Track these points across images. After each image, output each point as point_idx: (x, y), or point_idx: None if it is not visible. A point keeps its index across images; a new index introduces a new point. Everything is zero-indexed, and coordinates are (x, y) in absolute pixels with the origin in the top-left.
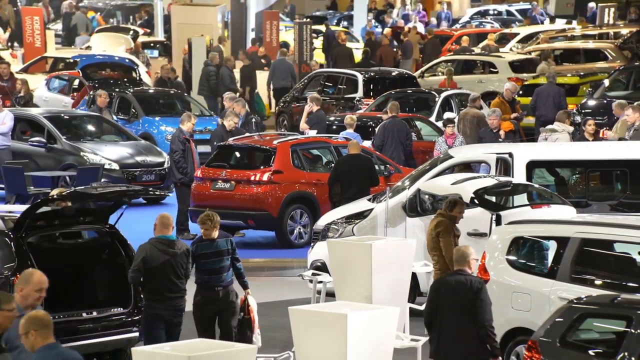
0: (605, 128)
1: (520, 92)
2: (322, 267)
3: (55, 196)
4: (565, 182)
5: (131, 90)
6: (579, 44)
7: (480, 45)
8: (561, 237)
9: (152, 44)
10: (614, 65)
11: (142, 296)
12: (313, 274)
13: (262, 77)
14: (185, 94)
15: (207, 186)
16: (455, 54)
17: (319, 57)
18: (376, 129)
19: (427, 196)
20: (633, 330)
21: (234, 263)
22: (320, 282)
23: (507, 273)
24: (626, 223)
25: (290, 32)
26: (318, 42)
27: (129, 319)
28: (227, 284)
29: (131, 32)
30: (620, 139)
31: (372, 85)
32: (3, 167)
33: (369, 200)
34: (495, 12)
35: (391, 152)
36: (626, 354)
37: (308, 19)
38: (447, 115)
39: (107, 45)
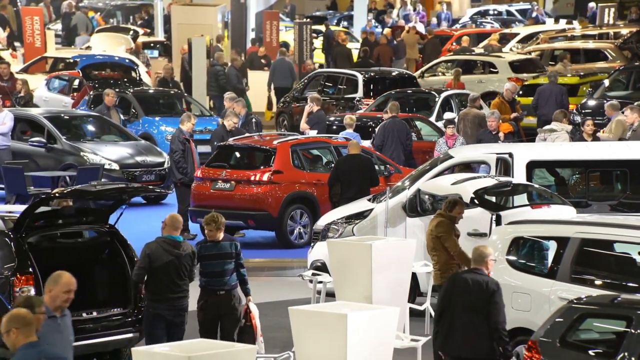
0: (602, 130)
1: (520, 92)
2: (322, 267)
3: (54, 194)
4: (565, 182)
5: (131, 90)
6: (579, 44)
7: (481, 45)
8: (561, 237)
9: (152, 44)
10: (614, 65)
11: (142, 296)
12: (313, 274)
13: (261, 77)
14: (186, 94)
15: (207, 186)
16: (455, 54)
17: (319, 57)
18: (376, 129)
19: (427, 196)
20: (633, 330)
21: (238, 269)
22: (320, 282)
23: (507, 273)
24: (626, 223)
25: (290, 32)
26: (318, 42)
27: (129, 319)
28: (230, 288)
29: (131, 32)
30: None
31: (372, 85)
32: (3, 167)
33: (369, 200)
34: (495, 12)
35: (391, 152)
36: (626, 354)
37: (308, 19)
38: (447, 115)
39: (107, 45)
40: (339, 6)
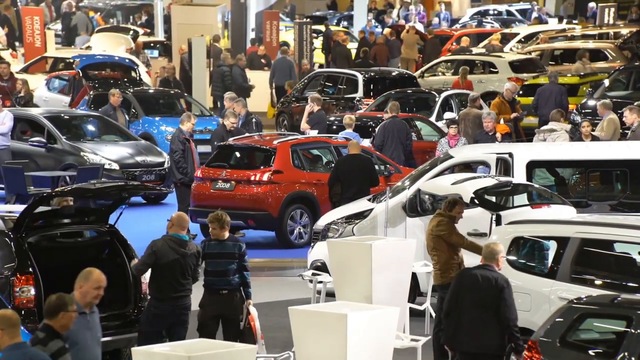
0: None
1: (521, 92)
2: (322, 267)
3: (54, 192)
4: (565, 182)
5: (131, 90)
6: (579, 44)
7: (482, 44)
8: (561, 237)
9: (152, 44)
10: (614, 65)
11: (142, 296)
12: (313, 274)
13: (261, 76)
14: (186, 94)
15: (207, 186)
16: (455, 54)
17: (319, 57)
18: (376, 129)
19: (427, 196)
20: (633, 330)
21: (241, 270)
22: (320, 282)
23: (507, 273)
24: (626, 223)
25: (290, 32)
26: (318, 42)
27: (129, 319)
28: (233, 288)
29: (131, 32)
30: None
31: (372, 85)
32: (3, 167)
33: (369, 200)
34: (495, 12)
35: (391, 152)
36: (626, 354)
37: (308, 19)
38: (447, 115)
39: (107, 45)
40: (339, 6)
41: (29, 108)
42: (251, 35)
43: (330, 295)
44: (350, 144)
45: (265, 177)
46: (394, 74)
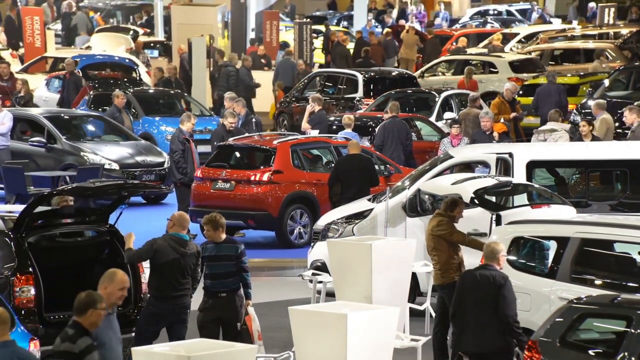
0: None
1: (520, 92)
2: (322, 267)
3: (53, 191)
4: (565, 182)
5: (131, 90)
6: (579, 44)
7: (482, 44)
8: (561, 237)
9: (152, 44)
10: (614, 65)
11: (142, 296)
12: (313, 274)
13: (261, 76)
14: (186, 94)
15: (207, 186)
16: (453, 54)
17: (319, 57)
18: (376, 129)
19: (427, 196)
20: (633, 330)
21: (240, 272)
22: (320, 282)
23: (507, 273)
24: (626, 223)
25: (290, 32)
26: (318, 42)
27: (129, 319)
28: (232, 290)
29: (131, 32)
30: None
31: (372, 85)
32: (3, 167)
33: (369, 200)
34: (495, 12)
35: (391, 152)
36: (626, 354)
37: (308, 19)
38: (447, 115)
39: (107, 45)
40: (339, 6)
41: (29, 108)
42: (251, 35)
43: (330, 295)
44: (350, 144)
45: (265, 177)
46: (394, 74)
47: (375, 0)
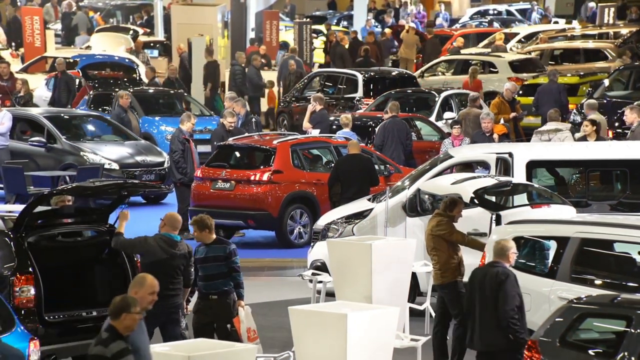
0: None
1: (520, 92)
2: (322, 267)
3: (53, 191)
4: (565, 182)
5: (131, 90)
6: (579, 44)
7: (481, 44)
8: (561, 237)
9: (152, 44)
10: (613, 65)
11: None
12: (313, 274)
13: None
14: (186, 94)
15: (207, 186)
16: (452, 54)
17: (319, 57)
18: (376, 129)
19: (427, 196)
20: (633, 330)
21: (230, 273)
22: (320, 282)
23: None
24: (626, 223)
25: (290, 32)
26: (318, 42)
27: None
28: (223, 292)
29: (131, 32)
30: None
31: (372, 85)
32: (3, 167)
33: (369, 200)
34: (495, 12)
35: (391, 152)
36: (626, 354)
37: (308, 19)
38: (447, 115)
39: (107, 45)
40: (339, 6)
41: (28, 108)
42: (251, 35)
43: (330, 295)
44: (350, 144)
45: (265, 177)
46: (394, 74)
47: (374, 0)
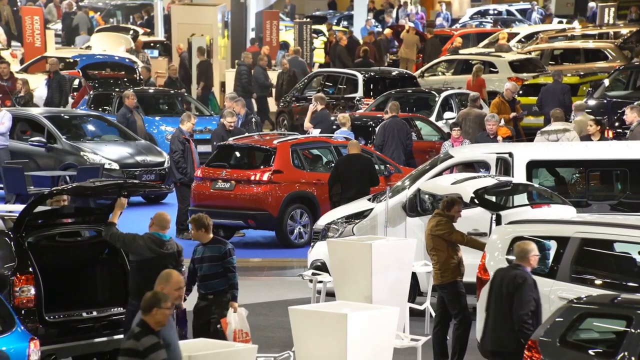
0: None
1: (520, 92)
2: (322, 267)
3: (53, 191)
4: (565, 182)
5: (131, 91)
6: (579, 44)
7: (481, 44)
8: (561, 237)
9: (152, 44)
10: (614, 65)
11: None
12: (313, 274)
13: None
14: (186, 94)
15: (207, 186)
16: (452, 54)
17: (319, 56)
18: (376, 129)
19: (427, 196)
20: (633, 330)
21: (226, 273)
22: (320, 282)
23: None
24: (626, 223)
25: (290, 32)
26: (318, 42)
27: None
28: (218, 293)
29: (131, 32)
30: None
31: (372, 85)
32: (3, 167)
33: (369, 200)
34: (495, 12)
35: (391, 152)
36: (626, 353)
37: (308, 19)
38: (447, 115)
39: (107, 45)
40: (339, 6)
41: (29, 108)
42: (251, 35)
43: (330, 295)
44: (350, 144)
45: (265, 177)
46: (394, 73)
47: (374, 0)
